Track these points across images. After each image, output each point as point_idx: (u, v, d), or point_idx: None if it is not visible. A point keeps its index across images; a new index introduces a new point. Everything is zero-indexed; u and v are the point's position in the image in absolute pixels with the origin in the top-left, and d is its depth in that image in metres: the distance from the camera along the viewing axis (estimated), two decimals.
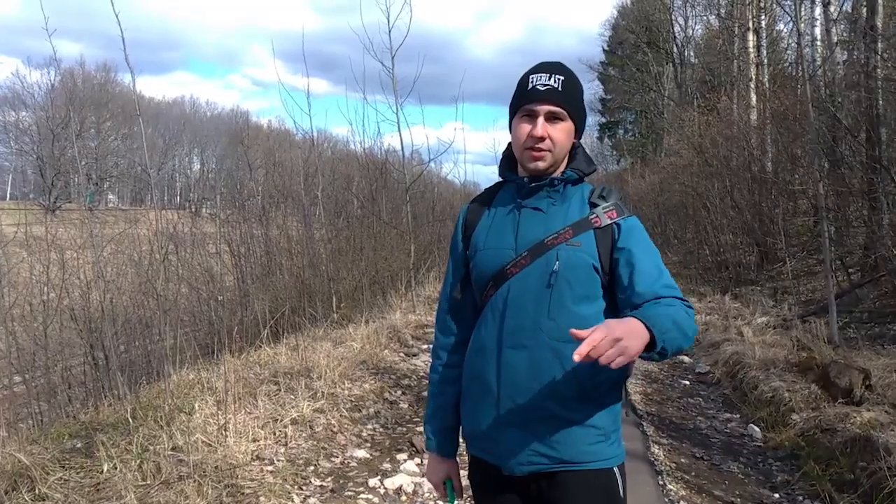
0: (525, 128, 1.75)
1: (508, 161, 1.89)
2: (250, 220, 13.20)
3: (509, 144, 1.88)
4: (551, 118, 1.75)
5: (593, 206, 1.78)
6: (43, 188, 49.68)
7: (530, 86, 1.76)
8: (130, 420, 4.98)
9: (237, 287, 11.64)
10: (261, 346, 7.77)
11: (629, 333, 1.42)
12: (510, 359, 1.74)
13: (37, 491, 3.85)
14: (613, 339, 1.38)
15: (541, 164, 1.77)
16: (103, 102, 56.35)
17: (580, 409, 1.72)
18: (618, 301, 1.76)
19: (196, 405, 4.98)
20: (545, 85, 1.75)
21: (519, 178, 1.84)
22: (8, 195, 54.70)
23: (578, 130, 1.84)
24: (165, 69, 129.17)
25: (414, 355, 7.65)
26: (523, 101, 1.77)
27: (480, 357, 1.81)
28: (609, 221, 1.76)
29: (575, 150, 1.86)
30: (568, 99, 1.77)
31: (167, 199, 66.28)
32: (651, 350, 1.49)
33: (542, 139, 1.74)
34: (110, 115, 57.38)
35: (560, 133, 1.76)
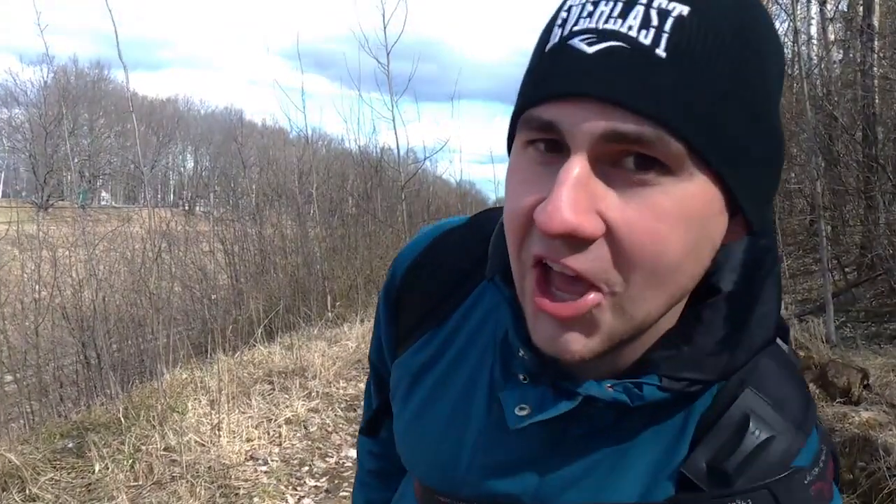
0: (523, 194, 0.54)
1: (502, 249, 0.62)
2: (244, 218, 13.17)
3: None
4: (621, 165, 0.51)
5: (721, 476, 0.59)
6: (35, 186, 49.49)
7: (564, 41, 0.52)
8: (122, 420, 4.93)
9: (231, 286, 11.61)
10: (255, 346, 7.72)
11: None
12: None
13: (27, 491, 3.80)
14: None
15: (573, 344, 0.55)
16: (96, 100, 56.18)
17: None
18: None
19: (189, 405, 4.93)
20: (607, 36, 0.49)
21: (515, 328, 0.62)
22: (0, 193, 54.41)
23: (746, 197, 0.54)
24: (160, 66, 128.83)
25: None
26: (532, 95, 0.54)
27: None
28: None
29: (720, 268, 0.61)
30: (691, 87, 0.49)
31: (160, 197, 66.11)
32: None
33: (572, 246, 0.51)
34: (103, 112, 57.20)
35: (650, 225, 0.50)
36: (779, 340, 0.66)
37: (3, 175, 57.65)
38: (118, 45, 5.42)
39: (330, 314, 9.96)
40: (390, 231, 13.11)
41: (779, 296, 0.62)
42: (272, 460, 4.19)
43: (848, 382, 5.35)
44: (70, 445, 4.82)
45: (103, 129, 58.06)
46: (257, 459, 4.19)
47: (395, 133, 11.48)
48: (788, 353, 0.67)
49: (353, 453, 4.65)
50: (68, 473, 4.20)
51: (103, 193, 62.41)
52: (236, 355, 7.41)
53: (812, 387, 5.76)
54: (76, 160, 56.00)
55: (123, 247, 9.92)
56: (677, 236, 0.50)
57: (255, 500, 3.69)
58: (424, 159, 12.86)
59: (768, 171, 0.56)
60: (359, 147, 14.49)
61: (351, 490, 3.83)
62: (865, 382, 5.37)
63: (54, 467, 4.18)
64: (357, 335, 7.67)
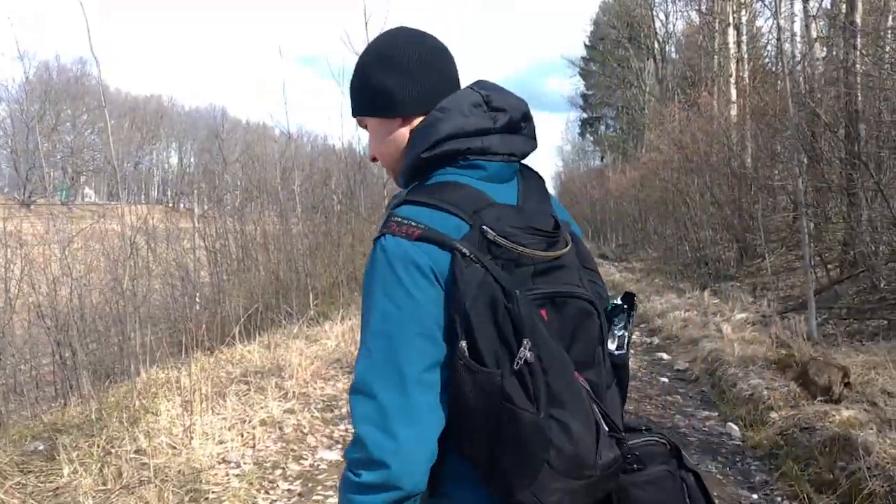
0: None
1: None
2: (226, 215, 13.02)
3: None
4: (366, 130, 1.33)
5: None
6: (17, 182, 48.92)
7: None
8: (94, 421, 4.83)
9: (212, 283, 11.45)
10: (234, 344, 7.62)
11: None
12: None
13: None
14: None
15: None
16: (79, 96, 55.57)
17: None
18: None
19: (162, 406, 4.83)
20: None
21: None
22: None
23: (383, 111, 1.25)
24: (146, 62, 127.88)
25: None
26: None
27: None
28: None
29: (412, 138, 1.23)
30: (354, 99, 1.30)
31: (144, 194, 65.52)
32: None
33: (374, 160, 1.35)
34: (86, 108, 56.60)
35: (372, 140, 1.31)
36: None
37: None
38: (90, 39, 5.29)
39: (311, 312, 9.86)
40: (374, 228, 12.95)
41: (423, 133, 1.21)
42: (245, 463, 4.10)
43: (829, 380, 5.32)
44: (41, 447, 4.71)
45: (86, 125, 57.47)
46: (229, 462, 4.09)
47: None
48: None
49: (328, 455, 4.56)
50: (36, 477, 4.09)
51: (87, 190, 61.79)
52: (214, 354, 7.31)
53: (793, 385, 5.73)
54: (59, 156, 55.44)
55: (103, 244, 9.76)
56: (376, 141, 1.30)
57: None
58: None
59: (385, 100, 1.24)
60: (342, 144, 14.37)
61: (324, 495, 3.72)
62: (846, 380, 5.34)
63: (22, 471, 4.07)
64: (337, 333, 7.59)
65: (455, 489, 1.13)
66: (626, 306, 1.30)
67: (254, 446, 4.43)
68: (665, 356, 8.52)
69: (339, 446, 4.79)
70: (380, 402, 1.04)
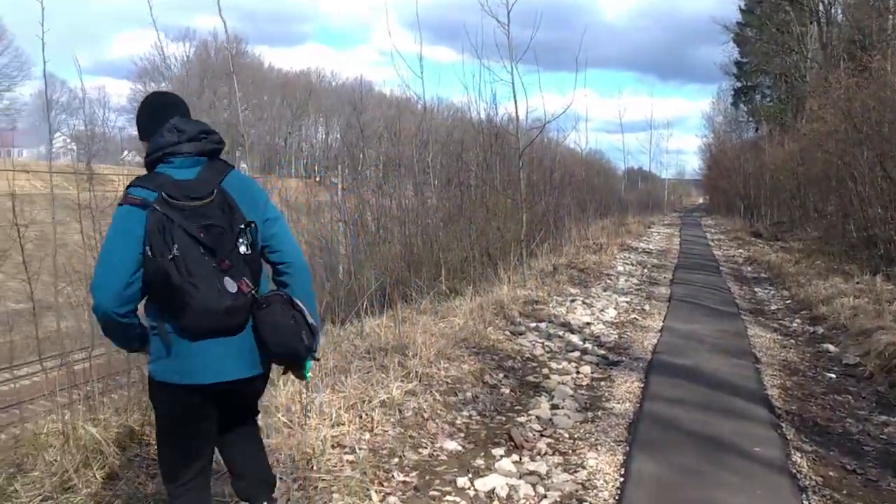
0: None
1: None
2: (365, 188, 13.08)
3: None
4: None
5: None
6: None
7: None
8: None
9: (348, 255, 11.54)
10: (364, 317, 7.51)
11: None
12: None
13: (107, 469, 3.64)
14: None
15: None
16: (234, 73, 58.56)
17: None
18: None
19: (280, 380, 4.69)
20: None
21: None
22: None
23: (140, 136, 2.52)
24: (298, 41, 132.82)
25: (520, 334, 7.12)
26: None
27: None
28: None
29: None
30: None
31: (293, 168, 68.49)
32: None
33: None
34: (242, 85, 59.61)
35: None
36: None
37: None
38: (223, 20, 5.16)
39: (442, 286, 9.65)
40: (509, 201, 12.63)
41: None
42: (360, 448, 3.84)
43: None
44: None
45: (241, 102, 60.56)
46: (344, 447, 3.86)
47: (514, 95, 10.85)
48: None
49: (449, 445, 4.23)
50: (153, 450, 4.04)
51: (242, 164, 65.31)
52: (344, 326, 7.22)
53: None
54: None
55: None
56: None
57: (335, 496, 3.34)
58: (544, 125, 12.09)
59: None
60: (479, 115, 14.01)
61: (441, 490, 3.28)
62: None
63: (140, 442, 4.03)
64: (465, 311, 7.27)
65: (157, 321, 2.26)
66: (244, 227, 2.31)
67: (371, 430, 4.18)
68: (831, 348, 7.57)
69: (462, 435, 4.45)
70: (98, 263, 2.26)
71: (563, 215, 18.17)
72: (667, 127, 78.90)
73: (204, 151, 2.32)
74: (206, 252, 2.17)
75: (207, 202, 2.23)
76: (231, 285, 2.19)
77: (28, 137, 46.23)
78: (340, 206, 13.33)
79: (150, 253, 2.13)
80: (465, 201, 12.20)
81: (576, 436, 4.67)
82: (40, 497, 3.31)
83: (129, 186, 2.25)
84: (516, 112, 11.12)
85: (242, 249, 2.26)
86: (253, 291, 2.26)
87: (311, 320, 2.35)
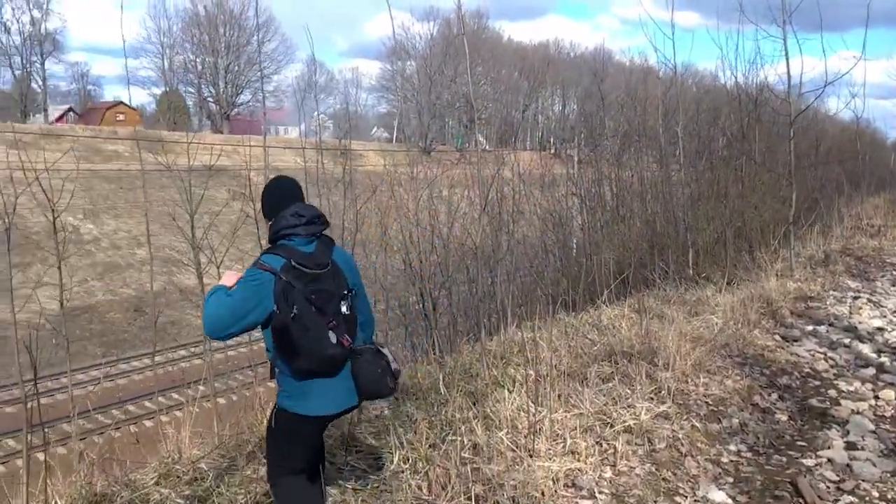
0: None
1: None
2: (602, 160, 12.12)
3: None
4: None
5: None
6: (420, 132, 54.58)
7: None
8: (443, 389, 4.26)
9: (584, 233, 10.71)
10: (601, 306, 6.70)
11: None
12: None
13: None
14: None
15: None
16: (475, 49, 59.38)
17: None
18: None
19: (509, 381, 4.05)
20: None
21: None
22: (395, 138, 61.03)
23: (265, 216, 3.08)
24: (538, 14, 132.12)
25: (794, 340, 5.85)
26: None
27: None
28: None
29: None
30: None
31: (528, 140, 68.34)
32: None
33: None
34: (481, 60, 60.36)
35: None
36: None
37: (397, 121, 64.53)
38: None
39: (690, 272, 8.53)
40: (769, 175, 11.01)
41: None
42: (600, 492, 3.06)
43: None
44: (385, 411, 4.28)
45: (479, 76, 61.35)
46: (580, 489, 3.10)
47: (787, 57, 9.27)
48: None
49: (715, 495, 3.30)
50: (364, 459, 3.60)
51: (479, 138, 66.48)
52: (578, 315, 6.48)
53: None
54: (456, 105, 60.49)
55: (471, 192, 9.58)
56: None
57: None
58: (824, 87, 10.20)
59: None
60: (735, 80, 12.30)
61: None
62: None
63: (348, 449, 3.60)
64: (724, 306, 6.16)
65: (281, 364, 2.82)
66: (347, 293, 2.89)
67: (613, 464, 3.39)
68: None
69: (730, 480, 3.49)
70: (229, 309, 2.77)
71: (829, 192, 15.89)
72: None
73: (316, 233, 2.89)
74: (317, 311, 2.73)
75: (326, 270, 2.83)
76: (334, 338, 2.74)
77: (292, 116, 50.73)
78: (575, 179, 12.50)
79: (277, 311, 2.70)
80: (717, 176, 10.79)
81: (888, 495, 3.49)
82: None
83: (262, 254, 2.86)
84: (788, 76, 9.50)
85: (343, 309, 2.82)
86: (351, 345, 2.81)
87: (395, 366, 2.86)
